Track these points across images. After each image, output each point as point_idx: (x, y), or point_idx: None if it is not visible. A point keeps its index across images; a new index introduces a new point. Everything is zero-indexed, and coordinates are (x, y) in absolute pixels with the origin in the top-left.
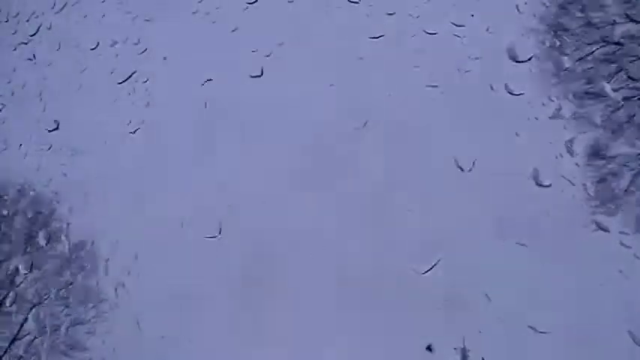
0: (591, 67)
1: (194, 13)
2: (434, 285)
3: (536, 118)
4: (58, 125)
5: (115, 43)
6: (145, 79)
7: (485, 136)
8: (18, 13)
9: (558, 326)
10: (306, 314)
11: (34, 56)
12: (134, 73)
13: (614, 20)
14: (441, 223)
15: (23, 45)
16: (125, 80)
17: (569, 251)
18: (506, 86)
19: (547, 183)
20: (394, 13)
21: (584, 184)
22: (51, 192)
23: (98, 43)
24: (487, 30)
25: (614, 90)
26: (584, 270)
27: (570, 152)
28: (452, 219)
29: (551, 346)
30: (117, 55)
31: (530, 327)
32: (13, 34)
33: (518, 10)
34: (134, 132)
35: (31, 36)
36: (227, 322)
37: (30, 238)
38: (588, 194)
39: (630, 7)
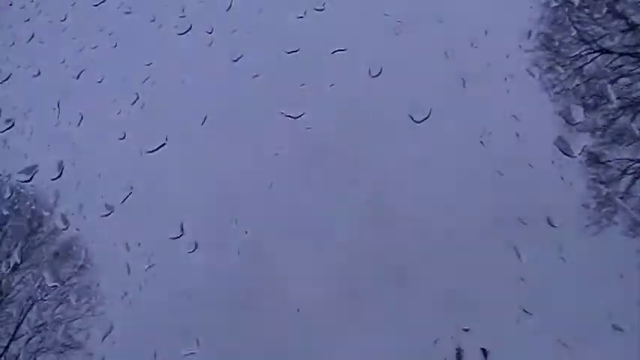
0: (588, 78)
1: None
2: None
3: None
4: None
5: None
6: None
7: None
8: None
9: None
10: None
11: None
12: None
13: (609, 32)
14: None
15: None
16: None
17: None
18: (507, 91)
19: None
20: None
21: (584, 188)
22: (50, 191)
23: None
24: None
25: (612, 98)
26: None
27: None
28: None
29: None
30: None
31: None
32: None
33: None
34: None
35: None
36: (226, 322)
37: (28, 236)
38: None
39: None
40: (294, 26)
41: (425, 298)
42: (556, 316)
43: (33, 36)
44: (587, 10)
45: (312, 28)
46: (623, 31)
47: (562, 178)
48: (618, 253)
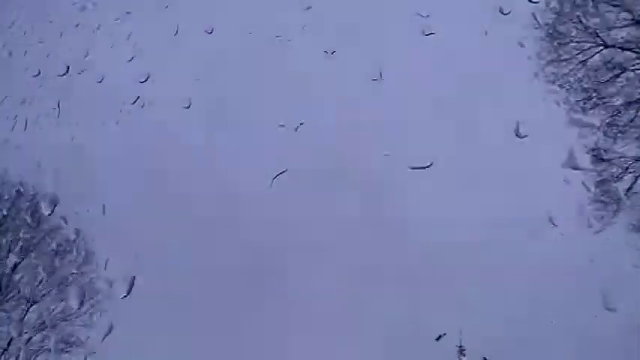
0: (592, 72)
1: None
2: None
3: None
4: None
5: None
6: None
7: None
8: None
9: None
10: None
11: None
12: None
13: (613, 25)
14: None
15: None
16: None
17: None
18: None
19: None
20: None
21: (585, 186)
22: (50, 191)
23: None
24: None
25: (616, 94)
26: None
27: (572, 156)
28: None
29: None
30: None
31: None
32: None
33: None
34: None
35: None
36: (225, 321)
37: (28, 235)
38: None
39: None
40: None
41: (425, 298)
42: (555, 315)
43: (33, 36)
44: (591, 3)
45: None
46: (628, 25)
47: (564, 178)
48: (622, 250)
